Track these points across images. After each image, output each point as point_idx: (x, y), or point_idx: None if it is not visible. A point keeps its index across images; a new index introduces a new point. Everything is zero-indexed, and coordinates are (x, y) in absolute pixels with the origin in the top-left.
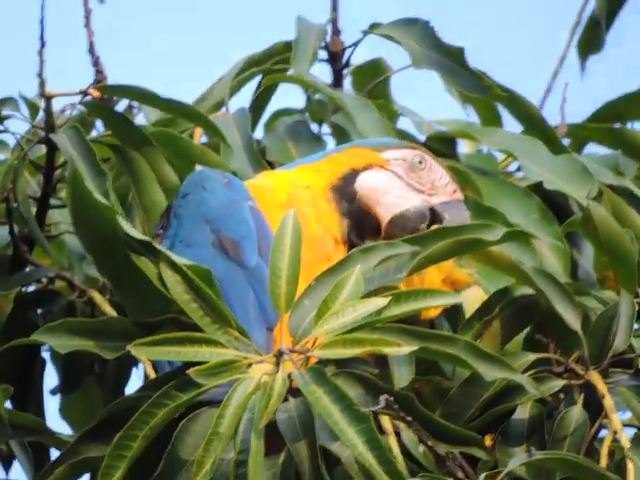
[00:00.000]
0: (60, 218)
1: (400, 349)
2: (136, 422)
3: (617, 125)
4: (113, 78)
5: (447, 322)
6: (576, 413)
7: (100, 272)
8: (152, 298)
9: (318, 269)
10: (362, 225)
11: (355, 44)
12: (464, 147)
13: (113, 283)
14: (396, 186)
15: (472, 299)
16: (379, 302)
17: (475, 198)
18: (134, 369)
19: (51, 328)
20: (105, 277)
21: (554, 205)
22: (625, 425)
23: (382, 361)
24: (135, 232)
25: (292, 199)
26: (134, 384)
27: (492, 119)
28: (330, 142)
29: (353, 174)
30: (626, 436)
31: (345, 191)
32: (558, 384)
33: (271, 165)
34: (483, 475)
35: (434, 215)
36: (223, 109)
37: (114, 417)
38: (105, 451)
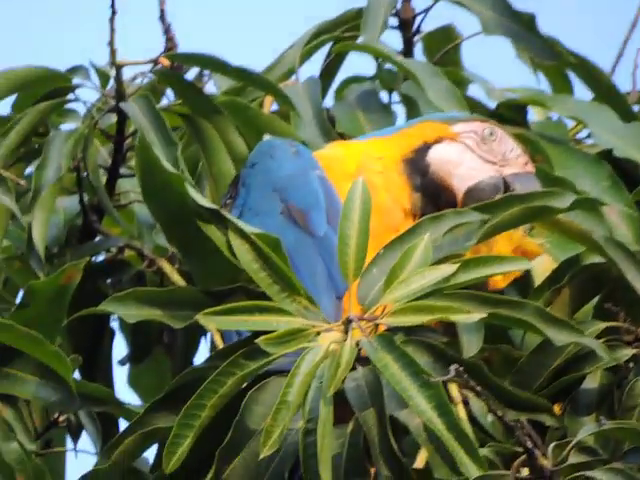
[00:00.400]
0: (129, 187)
1: (469, 315)
2: (204, 391)
3: None
4: (184, 46)
5: (516, 292)
6: None
7: (169, 241)
8: (221, 267)
9: (386, 239)
10: (436, 198)
11: (426, 11)
12: (534, 114)
13: (182, 252)
14: (468, 158)
15: (541, 268)
16: (447, 269)
17: (544, 168)
18: (203, 339)
19: (119, 298)
20: (174, 246)
21: (624, 172)
22: None
23: (451, 330)
24: (204, 200)
25: (361, 169)
26: (203, 354)
27: (562, 86)
28: (399, 111)
29: (425, 147)
30: None
31: (418, 164)
32: (628, 353)
33: (342, 135)
34: (552, 444)
35: (506, 186)
36: (293, 77)
37: (183, 387)
38: (174, 421)
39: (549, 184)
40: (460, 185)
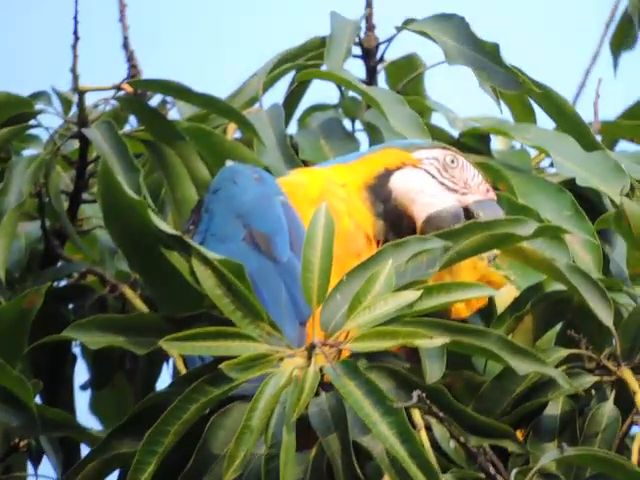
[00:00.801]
0: (92, 213)
1: (432, 341)
2: (168, 417)
3: None
4: (147, 73)
5: (480, 319)
6: (608, 410)
7: (131, 267)
8: (183, 293)
9: (349, 265)
10: (398, 225)
11: (389, 40)
12: (497, 143)
13: (144, 278)
14: (430, 185)
15: (504, 296)
16: (411, 295)
17: (508, 196)
18: (165, 365)
19: (82, 324)
20: (136, 272)
21: (587, 202)
22: None
23: (414, 356)
24: (166, 226)
25: (325, 195)
26: (165, 380)
27: (525, 115)
28: (363, 139)
29: (387, 174)
30: None
31: (380, 190)
32: (590, 380)
33: (304, 163)
34: (515, 470)
35: (468, 214)
36: (257, 105)
37: (145, 412)
38: (136, 447)
39: (514, 212)
40: (420, 213)
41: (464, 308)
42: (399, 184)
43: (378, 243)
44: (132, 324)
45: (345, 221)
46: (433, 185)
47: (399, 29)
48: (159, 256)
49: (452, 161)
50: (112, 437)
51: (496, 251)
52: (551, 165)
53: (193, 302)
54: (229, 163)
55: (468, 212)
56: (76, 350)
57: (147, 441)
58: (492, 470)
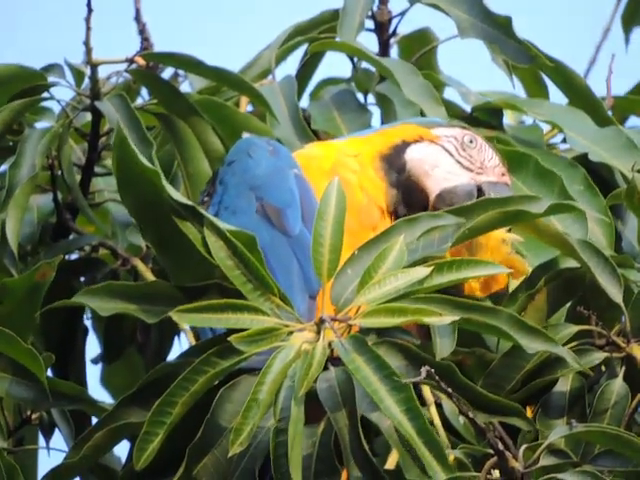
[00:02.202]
0: (104, 186)
1: (442, 319)
2: (176, 388)
3: None
4: (159, 46)
5: (491, 298)
6: (617, 386)
7: (144, 237)
8: (195, 263)
9: (363, 238)
10: (410, 197)
11: (402, 13)
12: (510, 118)
13: (157, 248)
14: (446, 161)
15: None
16: (422, 272)
17: (536, 158)
18: (176, 339)
19: (93, 290)
20: (149, 242)
21: (599, 177)
22: None
23: (425, 332)
24: (180, 196)
25: (337, 167)
26: (176, 354)
27: (538, 90)
28: (375, 112)
29: (404, 145)
30: None
31: (394, 161)
32: (599, 357)
33: (317, 135)
34: (523, 447)
35: (480, 194)
36: (269, 77)
37: (154, 383)
38: (145, 417)
39: (538, 176)
40: (434, 186)
41: (479, 288)
42: (415, 156)
43: (391, 214)
44: (143, 292)
45: (358, 194)
46: (449, 162)
47: (412, 2)
48: (172, 226)
49: (470, 141)
50: (121, 406)
51: (518, 237)
52: (564, 140)
53: (205, 273)
54: (245, 135)
55: (480, 192)
56: (87, 323)
57: (155, 411)
58: (501, 446)
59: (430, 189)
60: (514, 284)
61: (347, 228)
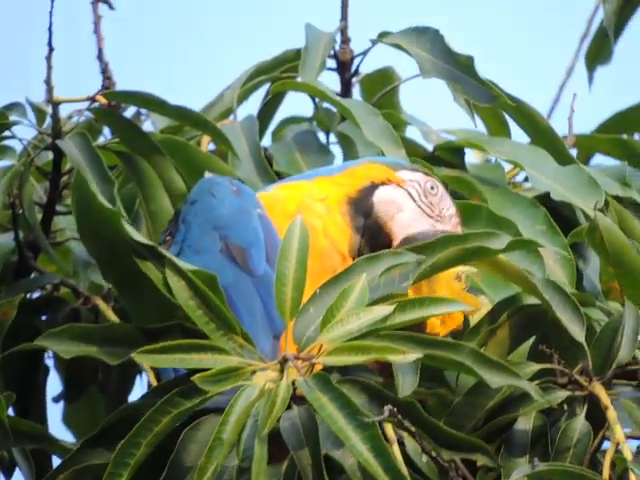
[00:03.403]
0: (65, 225)
1: (406, 356)
2: (140, 429)
3: (624, 136)
4: (121, 85)
5: (451, 335)
6: (579, 424)
7: (105, 278)
8: (157, 304)
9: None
10: (375, 241)
11: (364, 53)
12: (472, 157)
13: (118, 289)
14: (410, 207)
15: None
16: (384, 310)
17: (488, 208)
18: (138, 378)
19: (55, 333)
20: (110, 283)
21: (561, 216)
22: (628, 437)
23: (386, 370)
24: (140, 237)
25: (302, 210)
26: (137, 394)
27: (500, 129)
28: (337, 152)
29: (372, 187)
30: (629, 448)
31: (362, 204)
32: (562, 395)
33: (278, 174)
34: None
35: None
36: (231, 117)
37: (117, 424)
38: (108, 458)
39: (493, 224)
40: (399, 231)
41: (439, 327)
42: (382, 199)
43: (353, 259)
44: (105, 334)
45: (321, 239)
46: (412, 207)
47: (374, 42)
48: (133, 267)
49: (432, 187)
50: (84, 448)
51: (472, 268)
52: (526, 179)
53: (167, 313)
54: (208, 174)
55: None
56: (49, 362)
57: (119, 452)
58: None
59: (394, 234)
60: (475, 321)
61: (309, 272)
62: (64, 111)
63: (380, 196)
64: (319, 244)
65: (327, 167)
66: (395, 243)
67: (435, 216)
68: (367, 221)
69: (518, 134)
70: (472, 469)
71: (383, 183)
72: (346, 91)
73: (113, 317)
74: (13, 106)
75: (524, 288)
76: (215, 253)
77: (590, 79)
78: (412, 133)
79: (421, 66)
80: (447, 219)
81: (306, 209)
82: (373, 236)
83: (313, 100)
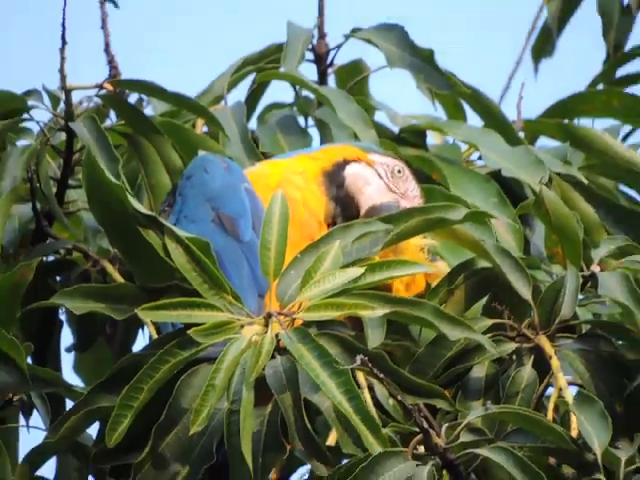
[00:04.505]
0: (77, 197)
1: (374, 312)
2: (142, 376)
3: (566, 121)
4: (126, 74)
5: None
6: (527, 373)
7: (112, 244)
8: (158, 267)
9: (303, 247)
10: (347, 209)
11: (338, 46)
12: (432, 138)
13: (123, 254)
14: (377, 182)
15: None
16: (356, 271)
17: (440, 188)
18: (140, 331)
19: (68, 292)
20: (116, 248)
21: (510, 190)
22: (569, 384)
23: (358, 325)
24: (143, 208)
25: (283, 183)
26: (140, 345)
27: (457, 114)
28: (314, 134)
29: (344, 163)
30: (570, 393)
31: (335, 176)
32: (511, 347)
33: (264, 155)
34: (445, 425)
35: None
36: (222, 102)
37: (123, 372)
38: (115, 401)
39: (445, 200)
40: (365, 202)
41: (404, 290)
42: (352, 174)
43: (328, 226)
44: (112, 293)
45: (300, 209)
46: (379, 184)
47: (347, 37)
48: (136, 234)
49: (399, 171)
50: (93, 392)
51: (433, 242)
52: (479, 158)
53: (166, 274)
54: (201, 153)
55: None
56: (62, 317)
57: (124, 396)
58: (426, 425)
59: (362, 203)
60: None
61: (289, 240)
62: (76, 97)
63: (351, 170)
64: (299, 213)
65: (309, 148)
66: (362, 212)
67: (400, 194)
68: (339, 192)
69: (473, 118)
70: (433, 411)
71: (354, 160)
72: (322, 80)
73: (119, 278)
74: (31, 92)
75: (478, 253)
76: (208, 222)
77: (536, 70)
78: (380, 117)
79: (388, 58)
80: (411, 198)
81: (287, 182)
82: (345, 206)
83: (294, 88)
